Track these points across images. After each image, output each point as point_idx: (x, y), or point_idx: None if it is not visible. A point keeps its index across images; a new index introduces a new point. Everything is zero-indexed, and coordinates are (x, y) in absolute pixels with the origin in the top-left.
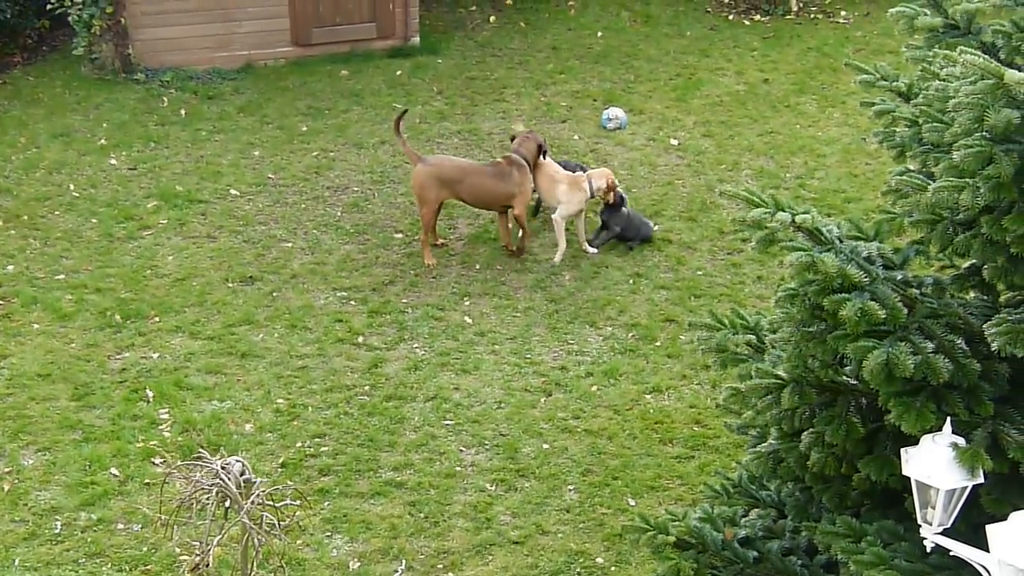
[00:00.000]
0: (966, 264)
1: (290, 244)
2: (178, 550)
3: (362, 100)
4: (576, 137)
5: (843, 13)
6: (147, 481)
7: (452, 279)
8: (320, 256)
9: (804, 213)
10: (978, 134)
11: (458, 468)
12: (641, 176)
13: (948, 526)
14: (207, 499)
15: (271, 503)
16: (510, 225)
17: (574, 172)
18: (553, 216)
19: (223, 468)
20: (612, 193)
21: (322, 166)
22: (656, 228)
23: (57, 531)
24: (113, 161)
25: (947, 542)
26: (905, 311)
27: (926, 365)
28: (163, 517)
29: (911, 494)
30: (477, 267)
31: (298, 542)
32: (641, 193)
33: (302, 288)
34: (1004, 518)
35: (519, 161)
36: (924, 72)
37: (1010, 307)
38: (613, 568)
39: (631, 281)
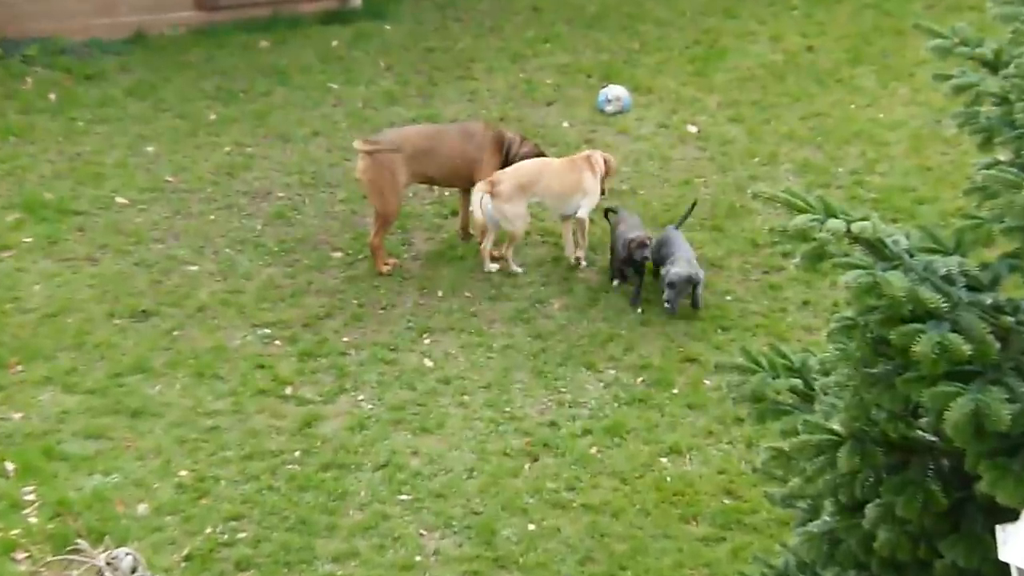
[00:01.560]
0: None
1: (196, 267)
2: None
3: (288, 79)
4: (565, 124)
5: None
6: None
7: (408, 310)
8: (235, 283)
9: (863, 219)
10: None
11: (418, 558)
12: (650, 173)
13: None
14: None
15: None
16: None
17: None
18: (579, 216)
19: (108, 564)
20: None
21: (236, 165)
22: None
23: None
24: None
25: None
26: (997, 345)
27: None
28: None
29: None
30: (440, 294)
31: None
32: (651, 195)
33: (212, 325)
34: None
35: (489, 129)
36: (1016, 34)
37: None
38: None
39: (640, 310)
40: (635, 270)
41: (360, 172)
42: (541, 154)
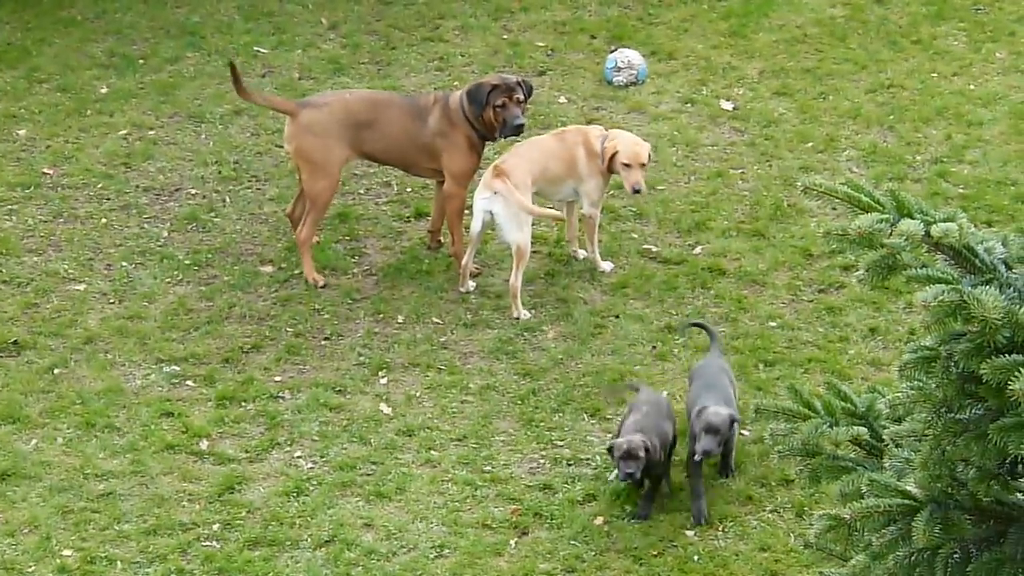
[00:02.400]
0: None
1: (83, 286)
2: None
3: (202, 41)
4: (562, 100)
5: None
6: None
7: (359, 341)
8: (134, 305)
9: (947, 221)
10: None
11: None
12: (673, 164)
13: None
14: None
15: None
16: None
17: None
18: (584, 212)
19: None
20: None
21: (136, 154)
22: (697, 251)
23: None
24: None
25: None
26: None
27: None
28: None
29: None
30: (400, 320)
31: None
32: (674, 192)
33: (103, 360)
34: None
35: (448, 100)
36: None
37: None
38: None
39: (658, 342)
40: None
41: (286, 139)
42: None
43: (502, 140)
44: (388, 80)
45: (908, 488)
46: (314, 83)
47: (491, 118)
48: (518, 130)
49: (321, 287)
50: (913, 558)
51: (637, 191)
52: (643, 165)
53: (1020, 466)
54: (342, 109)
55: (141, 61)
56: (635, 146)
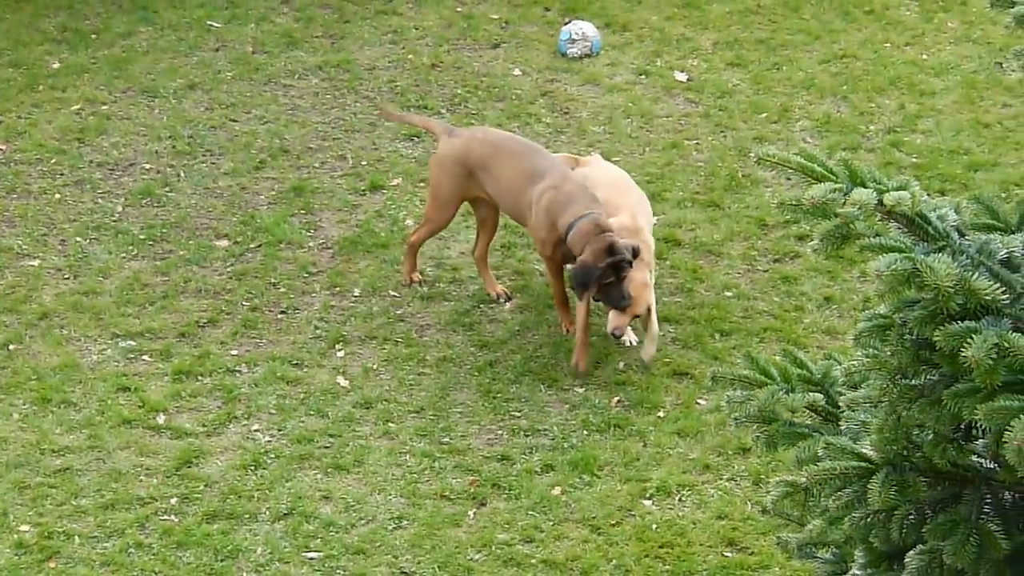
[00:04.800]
0: None
1: (37, 262)
2: None
3: (155, 15)
4: (516, 73)
5: None
6: None
7: (315, 314)
8: (89, 281)
9: (900, 189)
10: None
11: None
12: (628, 135)
13: None
14: None
15: None
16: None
17: None
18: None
19: None
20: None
21: (89, 129)
22: (655, 221)
23: None
24: None
25: None
26: None
27: None
28: None
29: None
30: (356, 293)
31: None
32: (629, 164)
33: (59, 336)
34: None
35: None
36: None
37: None
38: None
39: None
40: None
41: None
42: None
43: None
44: (341, 52)
45: (864, 451)
46: (267, 57)
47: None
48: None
49: (411, 283)
50: (869, 520)
51: None
52: None
53: (974, 430)
54: (464, 146)
55: (93, 36)
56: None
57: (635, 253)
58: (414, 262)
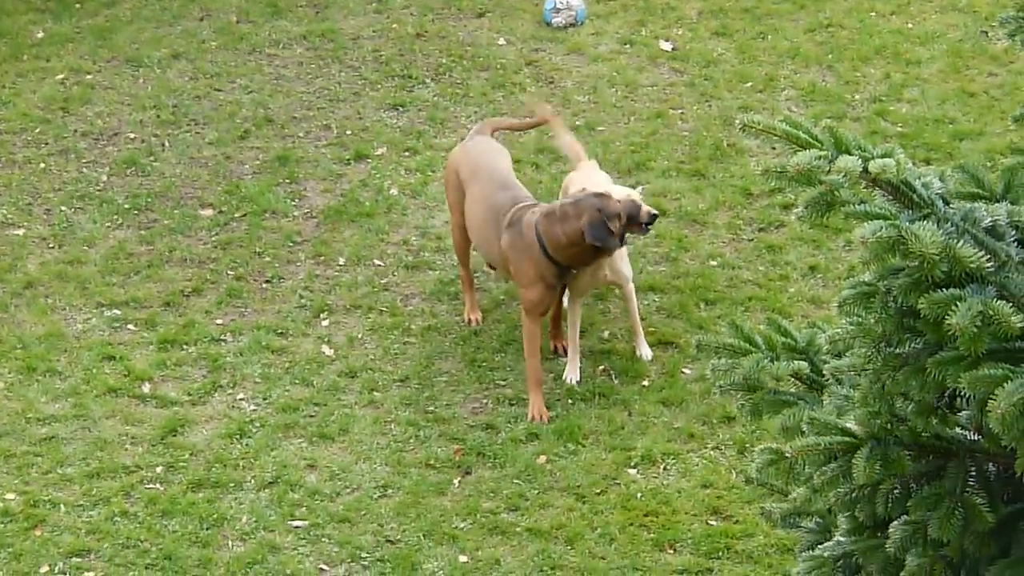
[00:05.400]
0: None
1: (21, 231)
2: None
3: None
4: (501, 42)
5: None
6: None
7: (300, 283)
8: (74, 250)
9: (885, 157)
10: None
11: None
12: (613, 105)
13: None
14: None
15: None
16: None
17: None
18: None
19: None
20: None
21: (73, 98)
22: (640, 189)
23: None
24: None
25: None
26: None
27: None
28: None
29: None
30: (341, 262)
31: None
32: (614, 133)
33: (44, 305)
34: None
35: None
36: None
37: None
38: None
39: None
40: None
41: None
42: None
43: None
44: (325, 22)
45: (848, 426)
46: (251, 26)
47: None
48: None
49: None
50: (854, 494)
51: None
52: None
53: (957, 399)
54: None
55: (77, 5)
56: None
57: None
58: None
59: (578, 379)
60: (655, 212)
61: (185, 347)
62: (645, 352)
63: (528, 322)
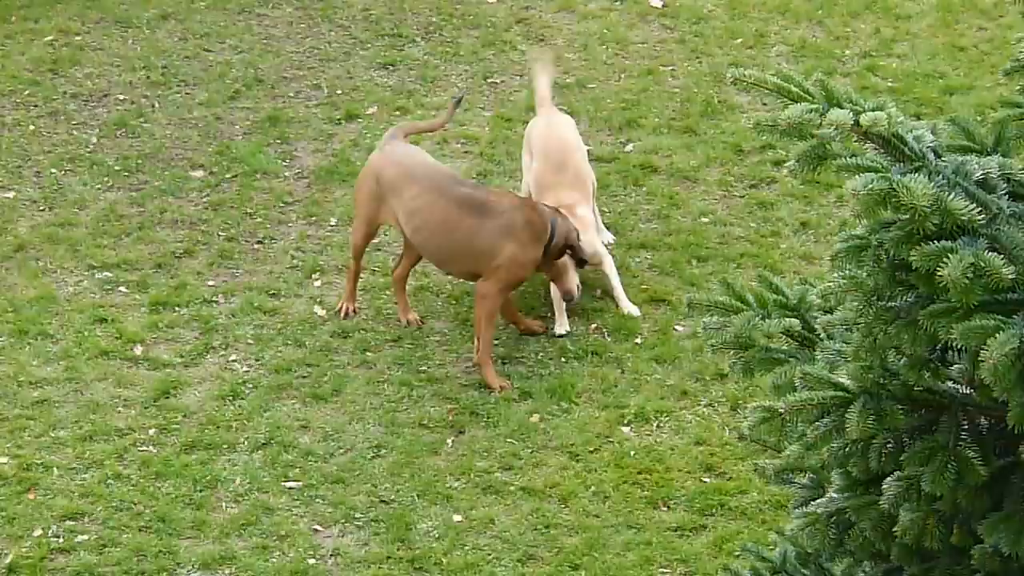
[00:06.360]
0: None
1: (12, 194)
2: None
3: None
4: (491, 0)
5: None
6: None
7: (291, 244)
8: (65, 212)
9: (876, 110)
10: None
11: (312, 560)
12: (603, 62)
13: None
14: None
15: None
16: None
17: None
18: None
19: None
20: None
21: (62, 59)
22: (629, 149)
23: None
24: None
25: None
26: None
27: None
28: None
29: None
30: (333, 222)
31: None
32: (605, 91)
33: (35, 268)
34: None
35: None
36: None
37: None
38: None
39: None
40: None
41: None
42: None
43: None
44: (323, 3)
45: (840, 380)
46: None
47: None
48: None
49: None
50: (847, 449)
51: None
52: None
53: (950, 353)
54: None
55: None
56: None
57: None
58: None
59: (567, 330)
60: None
61: (177, 309)
62: (631, 309)
63: (495, 299)
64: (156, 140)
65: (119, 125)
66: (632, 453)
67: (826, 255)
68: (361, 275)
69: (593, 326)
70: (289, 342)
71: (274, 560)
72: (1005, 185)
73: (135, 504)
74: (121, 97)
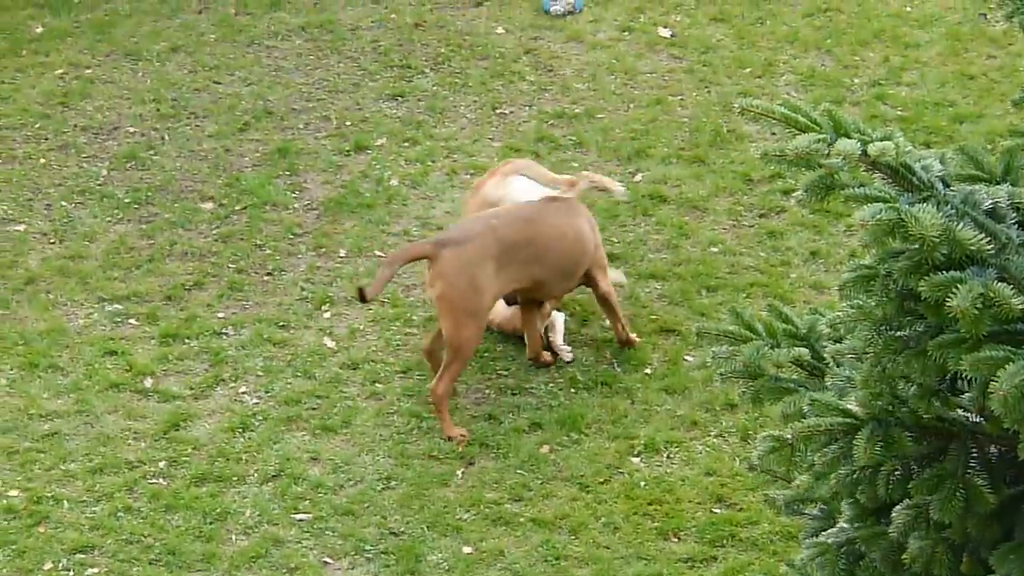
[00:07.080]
0: None
1: (22, 227)
2: None
3: None
4: (500, 31)
5: None
6: None
7: (301, 275)
8: (75, 245)
9: (884, 139)
10: None
11: None
12: (613, 92)
13: None
14: None
15: None
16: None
17: None
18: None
19: None
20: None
21: (73, 93)
22: (638, 179)
23: None
24: None
25: None
26: None
27: None
28: None
29: None
30: (342, 254)
31: None
32: (614, 120)
33: (45, 301)
34: None
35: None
36: None
37: None
38: None
39: None
40: None
41: (428, 283)
42: None
43: None
44: (324, 13)
45: (849, 406)
46: (250, 18)
47: None
48: None
49: (457, 441)
50: (855, 476)
51: None
52: None
53: (959, 382)
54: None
55: (76, 0)
56: None
57: None
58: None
59: (572, 357)
60: None
61: (187, 341)
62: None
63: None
64: (166, 172)
65: (129, 158)
66: (642, 484)
67: (836, 285)
68: (370, 306)
69: (603, 356)
70: (299, 374)
71: None
72: (1014, 214)
73: (145, 537)
74: (131, 130)
